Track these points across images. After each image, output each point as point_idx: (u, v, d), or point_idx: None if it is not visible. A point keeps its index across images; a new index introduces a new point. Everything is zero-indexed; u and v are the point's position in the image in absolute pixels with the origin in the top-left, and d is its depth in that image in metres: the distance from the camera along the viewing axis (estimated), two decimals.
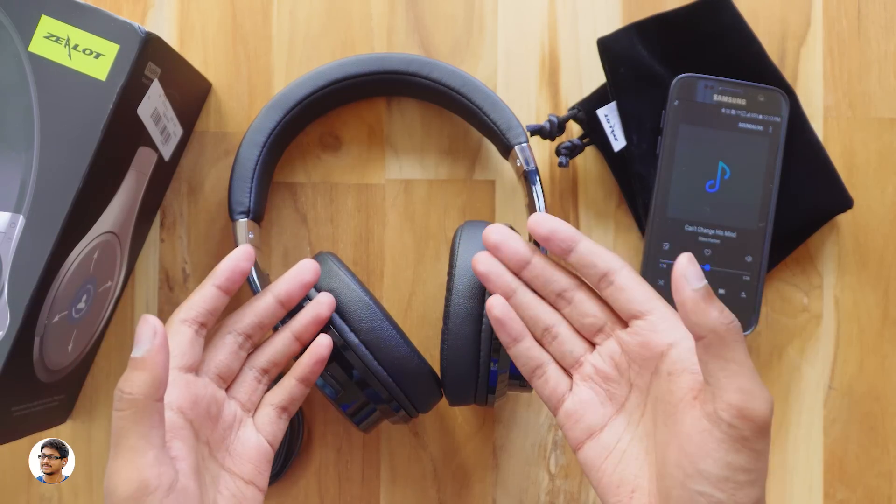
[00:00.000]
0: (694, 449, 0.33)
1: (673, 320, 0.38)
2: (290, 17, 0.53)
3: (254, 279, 0.46)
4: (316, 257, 0.46)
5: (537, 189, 0.46)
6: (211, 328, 0.42)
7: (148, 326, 0.34)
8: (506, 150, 0.48)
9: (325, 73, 0.49)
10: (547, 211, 0.49)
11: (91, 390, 0.52)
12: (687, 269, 0.34)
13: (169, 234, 0.53)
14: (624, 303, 0.39)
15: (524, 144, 0.47)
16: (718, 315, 0.33)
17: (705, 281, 0.34)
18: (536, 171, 0.47)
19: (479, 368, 0.44)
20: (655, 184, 0.49)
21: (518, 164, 0.47)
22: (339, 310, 0.44)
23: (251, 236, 0.47)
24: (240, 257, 0.42)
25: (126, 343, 0.52)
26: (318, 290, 0.44)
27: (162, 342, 0.34)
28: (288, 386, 0.43)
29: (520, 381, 0.45)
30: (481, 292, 0.43)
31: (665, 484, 0.35)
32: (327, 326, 0.44)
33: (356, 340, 0.43)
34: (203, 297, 0.41)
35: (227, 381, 0.42)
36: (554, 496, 0.52)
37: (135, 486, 0.34)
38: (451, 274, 0.44)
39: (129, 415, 0.34)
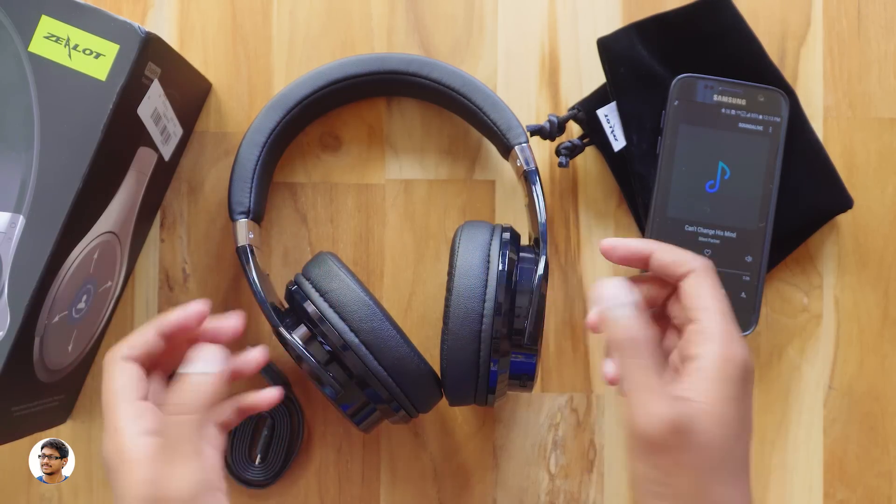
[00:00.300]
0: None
1: (707, 333, 0.37)
2: (290, 17, 0.53)
3: (254, 279, 0.46)
4: (316, 257, 0.46)
5: (537, 189, 0.46)
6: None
7: (214, 347, 0.39)
8: (506, 150, 0.48)
9: (325, 73, 0.49)
10: (547, 211, 0.49)
11: (91, 390, 0.52)
12: (605, 291, 0.38)
13: (169, 234, 0.53)
14: (684, 307, 0.39)
15: (524, 144, 0.47)
16: (622, 332, 0.37)
17: (617, 301, 0.38)
18: (536, 171, 0.46)
19: (479, 368, 0.44)
20: (655, 184, 0.49)
21: (518, 164, 0.47)
22: (338, 310, 0.44)
23: (251, 236, 0.47)
24: (190, 313, 0.41)
25: None
26: (318, 290, 0.44)
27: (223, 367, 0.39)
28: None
29: (520, 381, 0.44)
30: (481, 292, 0.43)
31: None
32: (327, 326, 0.43)
33: (356, 340, 0.43)
34: (143, 338, 0.40)
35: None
36: (554, 496, 0.52)
37: (200, 485, 0.36)
38: (451, 274, 0.44)
39: (195, 420, 0.37)
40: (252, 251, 0.47)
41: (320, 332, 0.44)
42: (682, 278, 0.39)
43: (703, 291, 0.38)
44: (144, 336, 0.40)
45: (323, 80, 0.49)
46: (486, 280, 0.43)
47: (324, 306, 0.44)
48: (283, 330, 0.44)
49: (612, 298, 0.38)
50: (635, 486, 0.36)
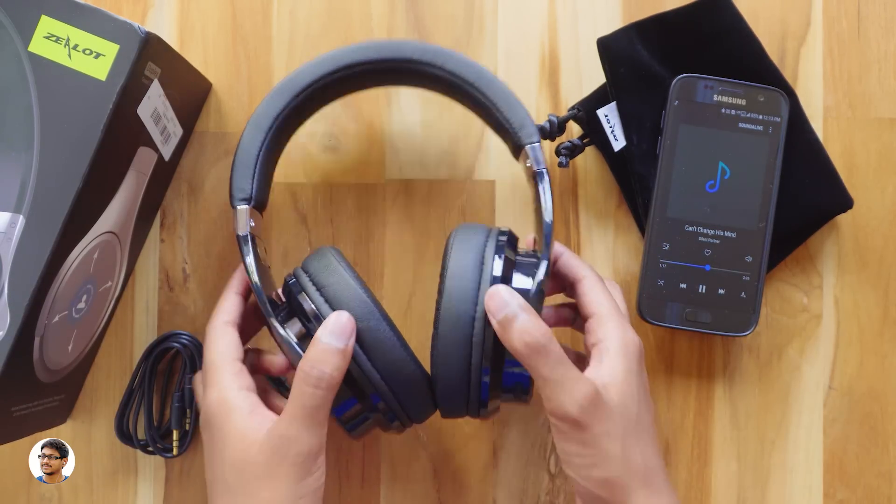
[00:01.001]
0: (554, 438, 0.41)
1: (604, 320, 0.42)
2: (290, 17, 0.53)
3: (251, 266, 0.43)
4: (317, 251, 0.45)
5: (545, 190, 0.44)
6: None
7: (349, 322, 0.41)
8: (516, 149, 0.47)
9: (337, 57, 0.46)
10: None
11: (91, 390, 0.52)
12: (489, 306, 0.40)
13: (169, 234, 0.53)
14: (583, 304, 0.44)
15: (536, 144, 0.45)
16: (515, 339, 0.39)
17: (505, 310, 0.39)
18: (546, 173, 0.45)
19: (469, 376, 0.41)
20: (655, 184, 0.49)
21: (528, 165, 0.45)
22: (334, 305, 0.42)
23: (252, 224, 0.44)
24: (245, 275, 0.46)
25: (126, 343, 0.52)
26: (315, 284, 0.43)
27: (353, 343, 0.41)
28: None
29: (514, 393, 0.43)
30: (473, 295, 0.41)
31: None
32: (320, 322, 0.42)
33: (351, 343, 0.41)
34: (232, 302, 0.45)
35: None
36: (554, 496, 0.52)
37: (319, 447, 0.40)
38: (442, 276, 0.42)
39: (326, 394, 0.40)
40: (254, 240, 0.44)
41: (314, 328, 0.41)
42: (577, 282, 0.44)
43: (596, 291, 0.43)
44: (231, 301, 0.45)
45: (333, 65, 0.46)
46: (479, 282, 0.41)
47: (319, 300, 0.42)
48: (273, 321, 0.42)
49: (503, 307, 0.39)
50: (568, 466, 0.40)
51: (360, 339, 0.41)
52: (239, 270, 0.47)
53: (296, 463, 0.39)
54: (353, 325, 0.41)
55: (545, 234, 0.43)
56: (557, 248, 0.46)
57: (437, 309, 0.42)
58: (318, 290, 0.42)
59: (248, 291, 0.46)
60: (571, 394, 0.38)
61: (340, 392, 0.41)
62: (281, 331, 0.42)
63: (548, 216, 0.43)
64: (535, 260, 0.43)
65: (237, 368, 0.42)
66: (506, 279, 0.41)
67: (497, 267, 0.41)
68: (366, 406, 0.42)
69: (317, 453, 0.40)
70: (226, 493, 0.40)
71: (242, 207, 0.44)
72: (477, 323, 0.41)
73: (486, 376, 0.41)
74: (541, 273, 0.42)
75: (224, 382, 0.41)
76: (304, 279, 0.43)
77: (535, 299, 0.41)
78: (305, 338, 0.42)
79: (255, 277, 0.43)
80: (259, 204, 0.45)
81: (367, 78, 0.47)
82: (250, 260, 0.43)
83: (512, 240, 0.44)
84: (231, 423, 0.40)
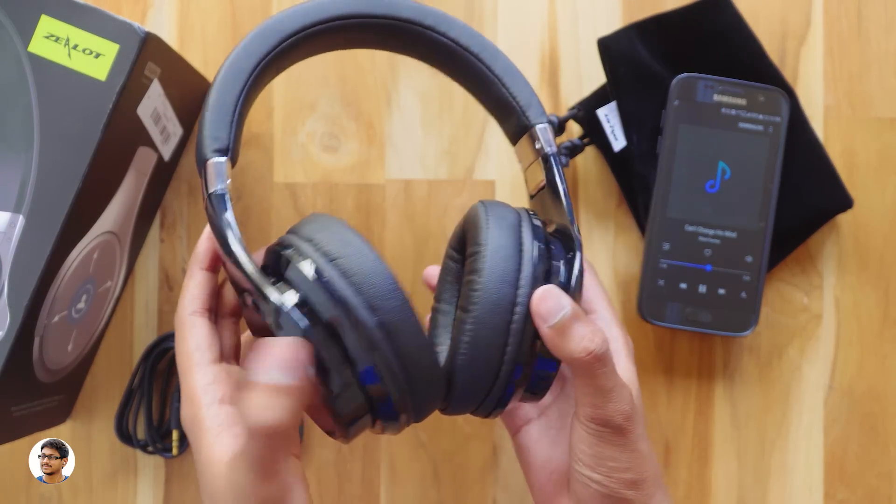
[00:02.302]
0: (574, 440, 0.39)
1: (604, 323, 0.41)
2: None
3: (228, 225, 0.36)
4: (310, 217, 0.38)
5: (560, 174, 0.40)
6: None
7: (301, 349, 0.33)
8: (521, 130, 0.42)
9: (333, 4, 0.40)
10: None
11: (91, 390, 0.52)
12: (540, 308, 0.36)
13: (169, 234, 0.53)
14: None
15: (546, 125, 0.41)
16: (575, 347, 0.36)
17: (561, 313, 0.36)
18: (559, 155, 0.41)
19: (500, 368, 0.36)
20: (655, 184, 0.49)
21: (537, 147, 0.41)
22: (351, 280, 0.34)
23: (229, 182, 0.37)
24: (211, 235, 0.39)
25: (126, 343, 0.52)
26: (321, 253, 0.35)
27: (313, 371, 0.34)
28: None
29: (533, 393, 0.38)
30: (514, 277, 0.36)
31: (571, 465, 0.40)
32: (336, 297, 0.33)
33: (372, 322, 0.33)
34: (198, 283, 0.39)
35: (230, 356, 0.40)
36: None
37: (276, 498, 0.35)
38: (476, 253, 0.37)
39: (274, 443, 0.34)
40: (229, 203, 0.36)
41: (320, 300, 0.33)
42: None
43: (593, 285, 0.42)
44: (197, 280, 0.39)
45: (329, 13, 0.40)
46: (520, 267, 0.36)
47: (328, 268, 0.34)
48: (269, 289, 0.34)
49: (557, 310, 0.36)
50: (595, 469, 0.38)
51: (384, 322, 0.34)
52: (204, 240, 0.39)
53: None
54: (306, 353, 0.33)
55: (570, 220, 0.39)
56: None
57: (473, 289, 0.36)
58: (330, 261, 0.34)
59: (218, 265, 0.39)
60: (619, 402, 0.37)
61: (350, 388, 0.34)
62: (276, 298, 0.34)
63: (567, 200, 0.39)
64: (565, 251, 0.39)
65: (209, 377, 0.36)
66: (547, 270, 0.37)
67: (536, 253, 0.37)
68: (381, 404, 0.35)
69: (280, 497, 0.35)
70: None
71: (218, 159, 0.36)
72: (518, 308, 0.36)
73: (517, 372, 0.36)
74: (576, 267, 0.37)
75: (195, 396, 0.36)
76: (306, 248, 0.35)
77: (575, 296, 0.37)
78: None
79: (235, 237, 0.35)
80: (234, 158, 0.38)
81: (361, 34, 0.42)
82: (229, 215, 0.35)
83: (543, 225, 0.40)
84: (201, 445, 0.36)
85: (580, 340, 0.36)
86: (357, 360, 0.34)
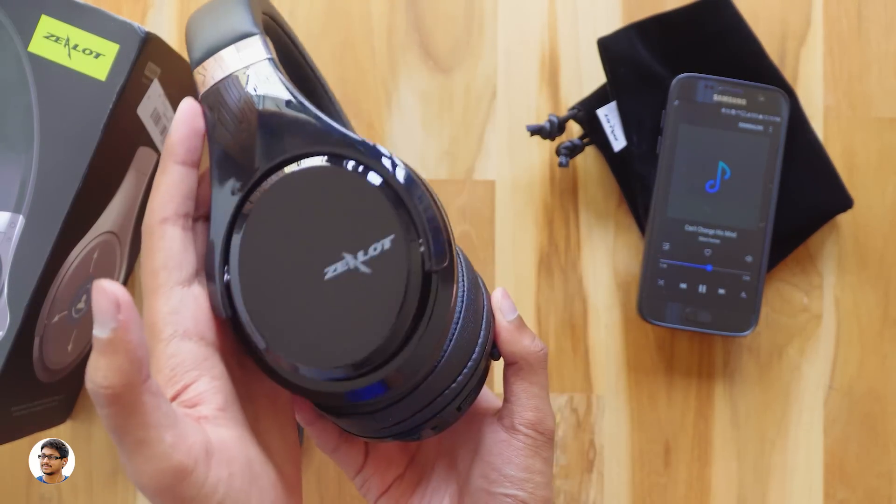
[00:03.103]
0: (496, 458, 0.37)
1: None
2: (289, 17, 0.53)
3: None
4: None
5: None
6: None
7: (106, 296, 0.26)
8: None
9: None
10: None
11: None
12: (502, 303, 0.38)
13: None
14: None
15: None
16: (529, 343, 0.38)
17: (517, 313, 0.38)
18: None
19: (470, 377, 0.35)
20: (655, 184, 0.49)
21: None
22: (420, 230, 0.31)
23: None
24: (188, 115, 0.33)
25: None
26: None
27: (130, 312, 0.26)
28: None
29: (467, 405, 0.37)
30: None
31: (472, 499, 0.38)
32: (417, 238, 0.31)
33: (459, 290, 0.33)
34: (172, 182, 0.32)
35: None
36: (554, 496, 0.52)
37: (169, 477, 0.28)
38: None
39: (117, 411, 0.27)
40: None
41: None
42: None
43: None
44: (172, 177, 0.32)
45: None
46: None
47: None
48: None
49: (514, 308, 0.38)
50: (520, 486, 0.37)
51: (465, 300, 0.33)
52: (180, 124, 0.33)
53: (155, 498, 0.29)
54: (111, 297, 0.26)
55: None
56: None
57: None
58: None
59: (197, 157, 0.33)
60: (551, 409, 0.39)
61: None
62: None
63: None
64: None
65: (174, 303, 0.31)
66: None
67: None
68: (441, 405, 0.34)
69: (172, 482, 0.28)
70: None
71: (256, 37, 0.33)
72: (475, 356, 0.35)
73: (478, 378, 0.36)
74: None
75: (155, 326, 0.31)
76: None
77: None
78: None
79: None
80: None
81: None
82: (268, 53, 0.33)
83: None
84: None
85: (533, 338, 0.38)
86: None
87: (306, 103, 0.32)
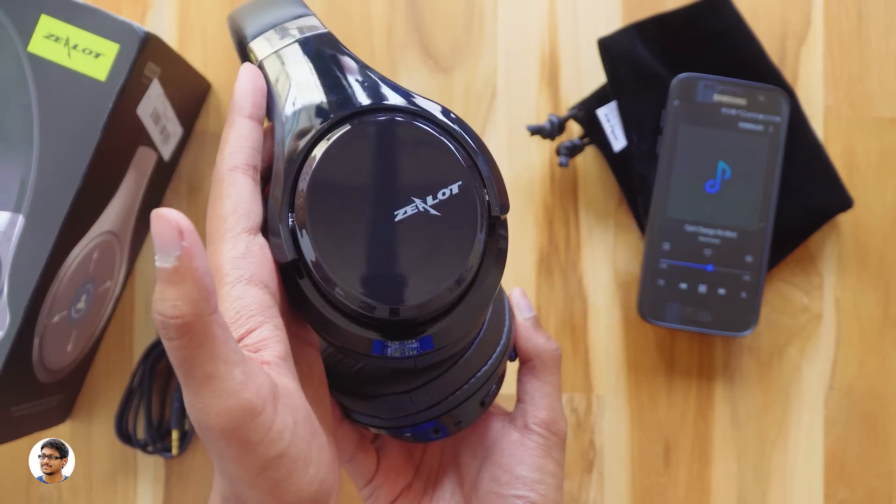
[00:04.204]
0: (508, 459, 0.37)
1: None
2: None
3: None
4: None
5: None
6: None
7: (167, 224, 0.25)
8: None
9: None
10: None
11: (91, 390, 0.52)
12: (520, 301, 0.39)
13: None
14: None
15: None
16: (544, 342, 0.38)
17: (534, 313, 0.40)
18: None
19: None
20: (655, 184, 0.49)
21: None
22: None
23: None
24: (251, 74, 0.33)
25: (126, 343, 0.52)
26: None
27: (194, 241, 0.25)
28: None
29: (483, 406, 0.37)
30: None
31: (494, 493, 0.38)
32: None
33: None
34: (241, 134, 0.32)
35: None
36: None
37: (237, 415, 0.26)
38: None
39: (187, 342, 0.26)
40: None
41: None
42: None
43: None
44: (240, 130, 0.32)
45: None
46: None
47: None
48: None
49: (531, 307, 0.40)
50: (533, 487, 0.37)
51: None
52: (245, 80, 0.33)
53: (219, 439, 0.27)
54: (172, 224, 0.25)
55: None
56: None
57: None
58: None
59: (262, 113, 0.33)
60: (563, 410, 0.39)
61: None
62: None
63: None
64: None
65: (241, 249, 0.30)
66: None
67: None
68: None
69: (241, 420, 0.27)
70: None
71: (309, 17, 0.35)
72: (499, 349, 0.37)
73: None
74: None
75: (220, 270, 0.30)
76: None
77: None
78: None
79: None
80: None
81: None
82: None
83: None
84: None
85: (548, 338, 0.39)
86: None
87: (367, 66, 0.33)
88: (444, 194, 0.31)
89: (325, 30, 0.34)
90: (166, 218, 0.25)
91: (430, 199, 0.31)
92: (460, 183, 0.31)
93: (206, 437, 0.27)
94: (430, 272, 0.30)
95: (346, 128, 0.31)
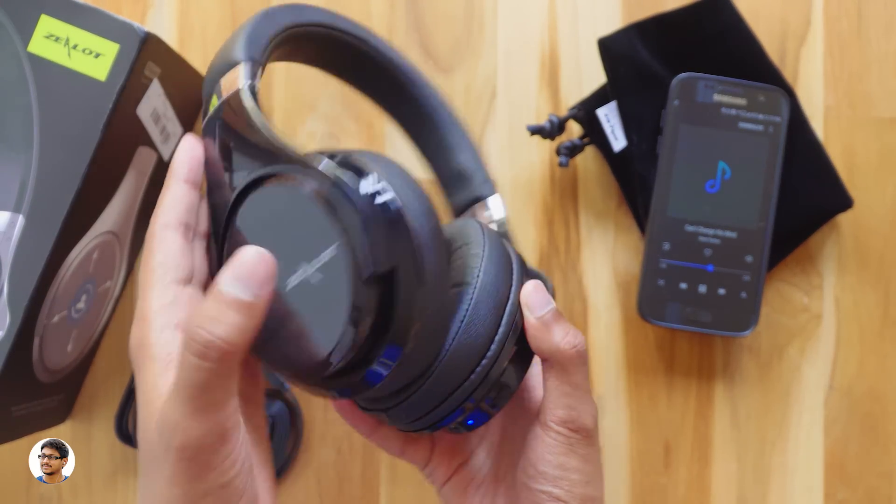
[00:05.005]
0: (532, 454, 0.37)
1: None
2: None
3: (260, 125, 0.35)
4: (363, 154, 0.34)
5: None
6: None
7: (265, 264, 0.29)
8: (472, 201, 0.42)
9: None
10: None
11: (91, 390, 0.52)
12: (530, 298, 0.36)
13: None
14: None
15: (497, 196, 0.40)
16: (560, 341, 0.36)
17: (550, 306, 0.36)
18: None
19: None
20: (655, 184, 0.49)
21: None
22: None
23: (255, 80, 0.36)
24: (189, 143, 0.36)
25: (126, 343, 0.52)
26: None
27: (273, 286, 0.29)
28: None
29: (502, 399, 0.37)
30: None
31: (515, 492, 0.38)
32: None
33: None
34: (175, 196, 0.35)
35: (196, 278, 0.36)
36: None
37: (213, 439, 0.29)
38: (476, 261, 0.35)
39: (217, 367, 0.28)
40: (255, 94, 0.35)
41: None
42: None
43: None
44: (174, 192, 0.35)
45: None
46: (514, 270, 0.36)
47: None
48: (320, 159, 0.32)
49: (546, 303, 0.36)
50: (556, 483, 0.36)
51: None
52: (184, 149, 0.36)
53: (183, 458, 0.29)
54: (269, 266, 0.29)
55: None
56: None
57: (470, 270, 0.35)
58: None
59: (198, 179, 0.36)
60: (591, 403, 0.37)
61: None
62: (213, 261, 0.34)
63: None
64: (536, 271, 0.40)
65: (169, 297, 0.32)
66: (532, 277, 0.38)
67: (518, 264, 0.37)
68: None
69: (214, 446, 0.29)
70: (139, 458, 0.32)
71: (243, 65, 0.36)
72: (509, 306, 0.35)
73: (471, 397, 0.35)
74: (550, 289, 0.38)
75: (147, 316, 0.32)
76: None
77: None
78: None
79: (259, 119, 0.34)
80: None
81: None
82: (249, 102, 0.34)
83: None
84: (145, 375, 0.32)
85: (565, 335, 0.36)
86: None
87: (262, 125, 0.33)
88: (323, 258, 0.31)
89: (245, 84, 0.35)
90: (264, 257, 0.29)
91: (314, 263, 0.31)
92: (336, 244, 0.30)
93: (167, 454, 0.29)
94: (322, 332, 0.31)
95: (242, 201, 0.33)
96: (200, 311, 0.29)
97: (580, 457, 0.37)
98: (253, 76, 0.35)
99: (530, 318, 0.36)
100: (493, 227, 0.42)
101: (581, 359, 0.36)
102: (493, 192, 0.43)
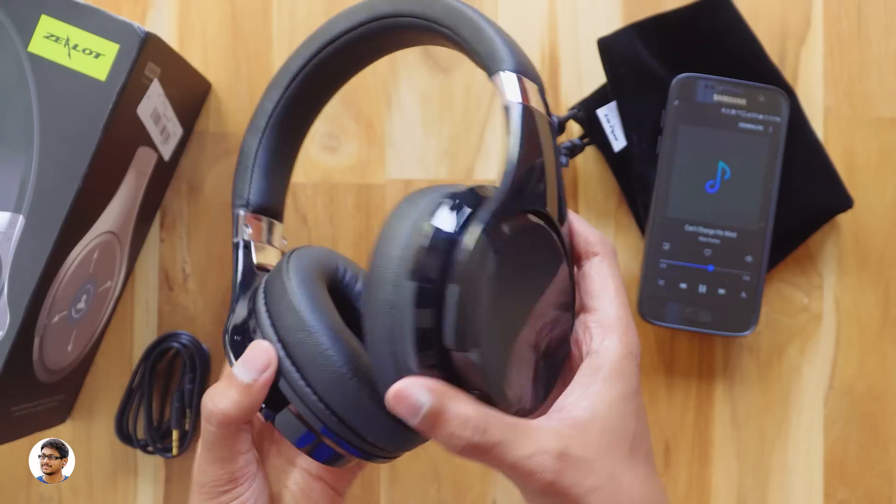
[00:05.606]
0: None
1: (606, 325, 0.35)
2: (290, 17, 0.53)
3: (236, 276, 0.41)
4: (292, 251, 0.40)
5: (513, 125, 0.34)
6: None
7: (266, 353, 0.36)
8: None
9: (319, 35, 0.41)
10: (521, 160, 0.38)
11: (91, 390, 0.52)
12: (399, 411, 0.31)
13: (169, 234, 0.53)
14: (583, 291, 0.37)
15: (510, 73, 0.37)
16: (448, 443, 0.31)
17: (421, 412, 0.31)
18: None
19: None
20: (655, 184, 0.49)
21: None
22: (273, 319, 0.37)
23: (249, 230, 0.41)
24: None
25: (126, 343, 0.52)
26: (265, 295, 0.38)
27: (271, 377, 0.36)
28: None
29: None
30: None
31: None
32: (259, 334, 0.37)
33: (281, 354, 0.36)
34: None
35: None
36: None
37: (223, 482, 0.37)
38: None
39: (220, 432, 0.36)
40: (248, 247, 0.41)
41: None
42: (585, 258, 0.37)
43: (606, 277, 0.36)
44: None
45: (317, 44, 0.41)
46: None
47: (261, 310, 0.37)
48: (226, 338, 0.38)
49: (417, 410, 0.31)
50: None
51: (291, 354, 0.36)
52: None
53: (205, 492, 0.38)
54: (269, 357, 0.35)
55: (507, 171, 0.33)
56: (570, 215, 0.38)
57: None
58: (265, 301, 0.37)
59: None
60: (537, 458, 0.31)
61: (286, 416, 0.36)
62: (227, 348, 0.38)
63: (513, 149, 0.33)
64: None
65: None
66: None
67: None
68: (317, 434, 0.36)
69: (228, 481, 0.37)
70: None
71: (238, 213, 0.42)
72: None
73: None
74: (468, 240, 0.31)
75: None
76: (259, 294, 0.38)
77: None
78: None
79: (237, 285, 0.40)
80: (261, 208, 0.42)
81: (359, 49, 0.41)
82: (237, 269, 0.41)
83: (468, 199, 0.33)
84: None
85: (450, 436, 0.31)
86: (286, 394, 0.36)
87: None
88: None
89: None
90: (266, 350, 0.36)
91: None
92: None
93: (193, 486, 0.38)
94: None
95: None
96: (215, 386, 0.37)
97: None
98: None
99: (413, 423, 0.31)
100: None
101: (478, 451, 0.31)
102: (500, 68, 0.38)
